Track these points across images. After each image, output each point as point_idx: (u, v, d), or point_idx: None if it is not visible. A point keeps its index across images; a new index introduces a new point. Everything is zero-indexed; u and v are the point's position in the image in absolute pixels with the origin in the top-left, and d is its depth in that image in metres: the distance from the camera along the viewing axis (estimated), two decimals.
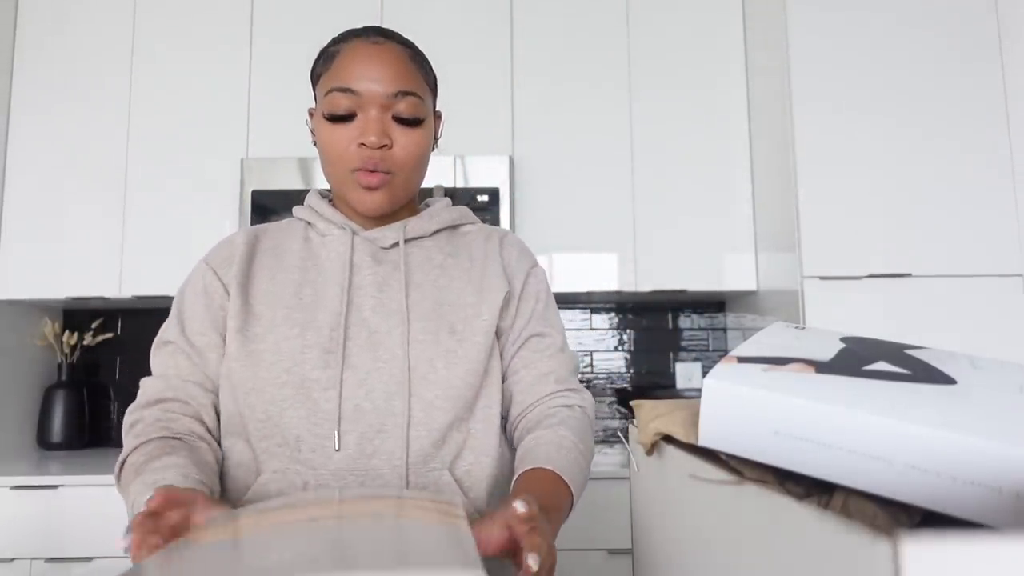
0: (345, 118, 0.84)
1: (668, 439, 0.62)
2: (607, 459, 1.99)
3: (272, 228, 0.95)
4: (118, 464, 0.81)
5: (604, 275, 2.16)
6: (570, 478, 0.80)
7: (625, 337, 2.47)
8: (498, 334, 0.91)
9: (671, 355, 2.46)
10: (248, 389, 0.82)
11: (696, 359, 2.45)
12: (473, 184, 2.10)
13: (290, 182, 2.09)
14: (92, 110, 2.21)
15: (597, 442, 2.38)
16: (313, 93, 0.91)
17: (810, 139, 1.90)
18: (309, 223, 0.93)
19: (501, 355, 0.92)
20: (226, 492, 0.85)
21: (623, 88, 2.22)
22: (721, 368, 0.49)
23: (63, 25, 2.25)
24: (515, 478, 0.81)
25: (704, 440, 0.49)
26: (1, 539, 1.78)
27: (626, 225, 2.18)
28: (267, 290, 0.86)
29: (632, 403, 0.70)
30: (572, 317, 2.48)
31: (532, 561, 0.57)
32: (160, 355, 0.88)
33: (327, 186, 0.94)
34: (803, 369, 0.48)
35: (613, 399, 2.43)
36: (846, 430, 0.42)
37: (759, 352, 0.51)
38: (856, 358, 0.49)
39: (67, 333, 2.31)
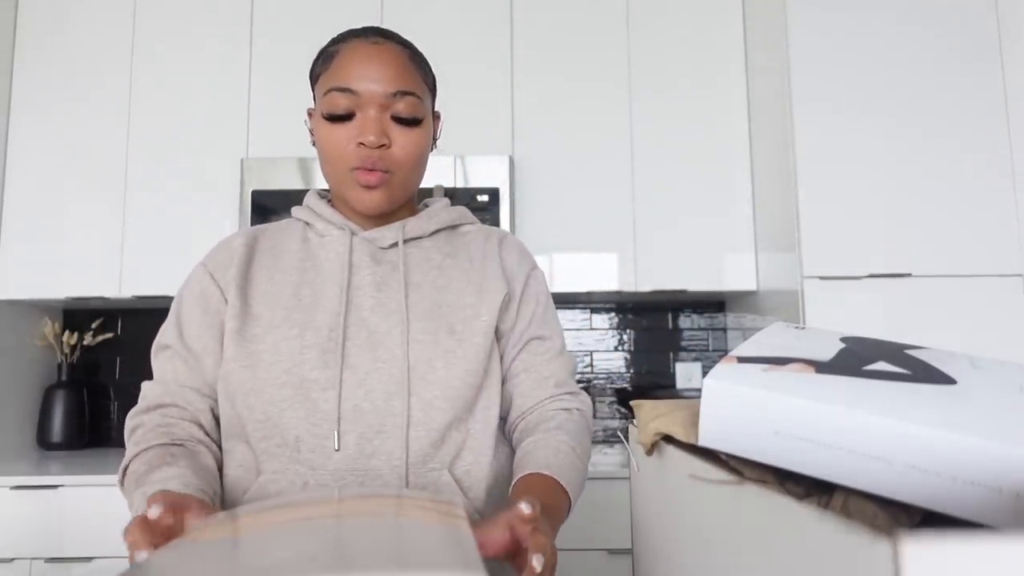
0: (344, 118, 0.85)
1: (668, 439, 0.62)
2: (607, 459, 1.99)
3: (271, 229, 0.95)
4: (121, 469, 0.83)
5: (604, 275, 2.16)
6: (567, 482, 0.81)
7: (625, 337, 2.47)
8: (498, 336, 0.92)
9: (671, 355, 2.46)
10: (247, 390, 0.82)
11: (696, 359, 2.45)
12: (473, 184, 2.10)
13: (290, 182, 2.09)
14: (92, 110, 2.21)
15: (597, 442, 2.38)
16: (312, 93, 0.91)
17: (810, 139, 1.90)
18: (308, 223, 0.93)
19: (501, 358, 0.92)
20: (228, 494, 0.85)
21: (623, 88, 2.22)
22: (721, 368, 0.49)
23: (63, 25, 2.25)
24: (513, 483, 0.81)
25: (704, 440, 0.49)
26: (1, 539, 1.78)
27: (626, 225, 2.18)
28: (266, 291, 0.86)
29: (632, 403, 0.70)
30: (572, 317, 2.48)
31: (537, 562, 0.57)
32: (159, 359, 0.89)
33: (327, 186, 0.94)
34: (803, 369, 0.48)
35: (613, 399, 2.43)
36: (846, 430, 0.42)
37: (759, 352, 0.51)
38: (856, 358, 0.49)
39: (67, 333, 2.31)
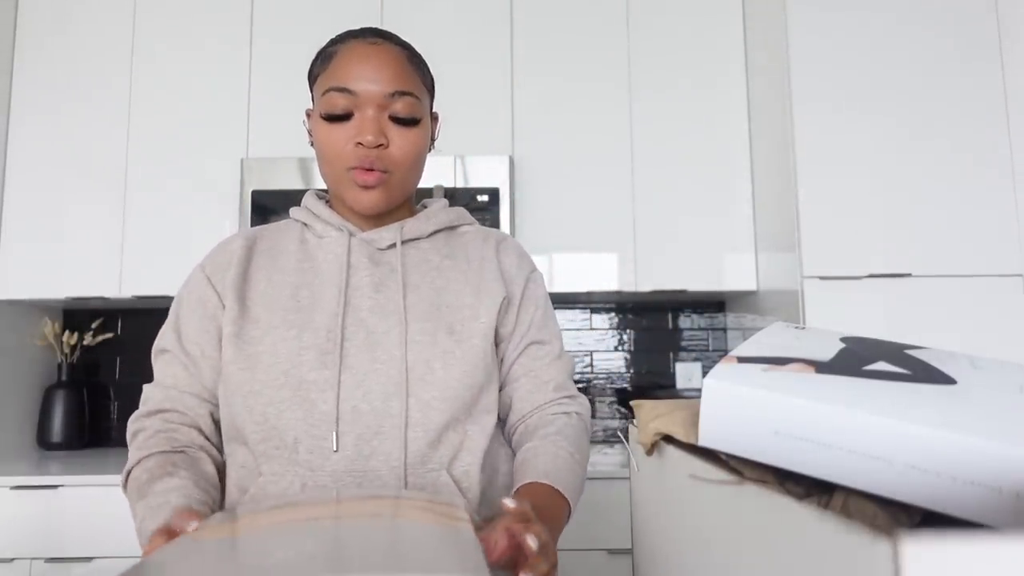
0: (342, 118, 0.85)
1: (668, 439, 0.62)
2: (607, 459, 1.99)
3: (269, 230, 0.95)
4: (124, 473, 0.84)
5: (604, 275, 2.16)
6: (566, 489, 0.82)
7: (625, 337, 2.47)
8: (498, 340, 0.92)
9: (671, 355, 2.46)
10: (246, 392, 0.82)
11: (696, 359, 2.45)
12: (473, 184, 2.10)
13: (290, 182, 2.09)
14: (92, 110, 2.21)
15: (597, 442, 2.38)
16: (311, 94, 0.91)
17: (810, 139, 1.90)
18: (306, 225, 0.93)
19: (501, 361, 0.93)
20: (230, 495, 0.85)
21: (623, 88, 2.22)
22: (721, 368, 0.49)
23: (63, 25, 2.25)
24: (513, 490, 0.82)
25: (704, 440, 0.49)
26: (1, 539, 1.78)
27: (626, 225, 2.18)
28: (264, 292, 0.86)
29: (632, 403, 0.70)
30: (572, 317, 2.48)
31: (532, 541, 0.58)
32: (159, 363, 0.89)
33: (325, 186, 0.94)
34: (803, 369, 0.48)
35: (613, 399, 2.43)
36: (846, 430, 0.42)
37: (759, 352, 0.51)
38: (856, 358, 0.49)
39: (67, 333, 2.31)
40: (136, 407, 0.89)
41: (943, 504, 0.38)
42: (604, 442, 2.39)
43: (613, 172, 2.19)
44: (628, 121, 2.21)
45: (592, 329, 2.47)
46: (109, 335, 2.41)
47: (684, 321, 2.47)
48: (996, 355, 1.80)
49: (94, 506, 1.78)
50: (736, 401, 0.46)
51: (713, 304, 2.48)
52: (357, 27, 0.92)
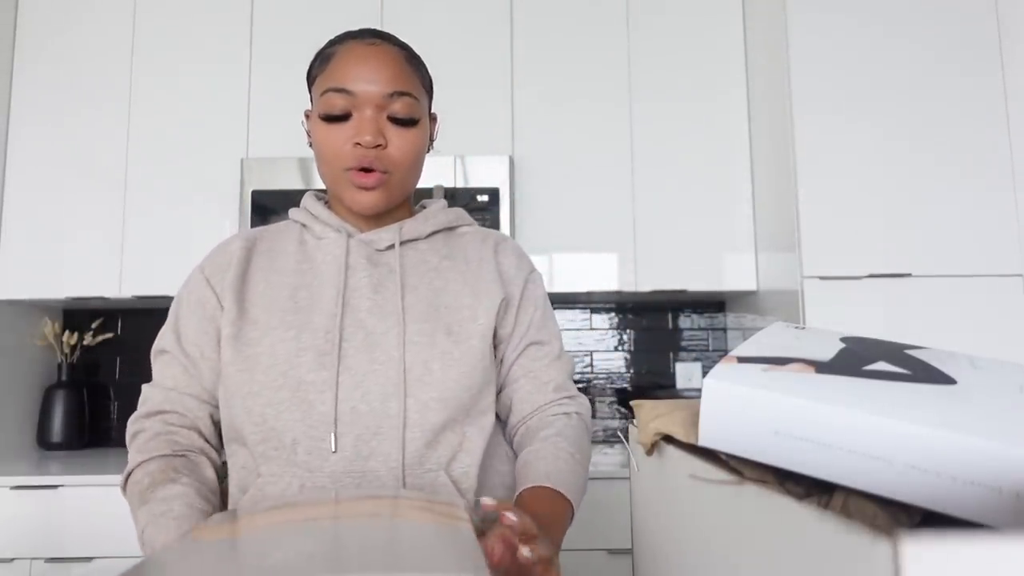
0: (340, 118, 0.85)
1: (668, 439, 0.62)
2: (607, 459, 1.99)
3: (269, 231, 0.95)
4: (124, 475, 0.84)
5: (604, 275, 2.16)
6: (568, 490, 0.82)
7: (625, 337, 2.46)
8: (497, 341, 0.92)
9: (671, 355, 2.46)
10: (245, 393, 0.82)
11: (696, 359, 2.45)
12: (473, 184, 2.10)
13: (290, 182, 2.09)
14: (92, 110, 2.21)
15: (597, 442, 2.38)
16: (309, 95, 0.91)
17: (810, 139, 1.90)
18: (304, 226, 0.93)
19: (501, 362, 0.93)
20: (232, 496, 0.86)
21: (623, 88, 2.22)
22: (721, 368, 0.49)
23: (63, 25, 2.25)
24: (516, 495, 0.82)
25: (704, 440, 0.49)
26: (1, 539, 1.78)
27: (626, 225, 2.18)
28: (263, 294, 0.87)
29: (632, 403, 0.70)
30: (572, 317, 2.48)
31: (526, 552, 0.58)
32: (158, 363, 0.89)
33: (325, 187, 0.94)
34: (803, 369, 0.48)
35: (613, 399, 2.43)
36: (846, 430, 0.42)
37: (759, 352, 0.51)
38: (856, 358, 0.49)
39: (67, 333, 2.31)
40: (136, 407, 0.89)
41: (943, 504, 0.38)
42: (604, 442, 2.39)
43: (613, 172, 2.19)
44: (628, 121, 2.21)
45: (592, 329, 2.47)
46: (109, 335, 2.40)
47: (684, 321, 2.47)
48: (996, 355, 1.80)
49: (94, 506, 1.78)
50: (736, 401, 0.46)
51: (713, 304, 2.48)
52: (356, 28, 0.92)
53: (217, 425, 0.89)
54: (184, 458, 0.83)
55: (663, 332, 2.47)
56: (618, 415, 2.42)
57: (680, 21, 2.25)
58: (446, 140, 2.07)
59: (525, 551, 0.59)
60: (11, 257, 2.15)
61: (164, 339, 0.89)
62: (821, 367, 0.48)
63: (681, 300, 2.44)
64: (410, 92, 0.86)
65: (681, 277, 2.16)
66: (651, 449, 0.65)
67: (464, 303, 0.88)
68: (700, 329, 2.47)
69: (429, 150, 0.94)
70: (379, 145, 0.84)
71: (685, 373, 2.44)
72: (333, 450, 0.80)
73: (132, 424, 0.87)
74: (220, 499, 0.86)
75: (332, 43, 0.89)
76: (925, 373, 0.46)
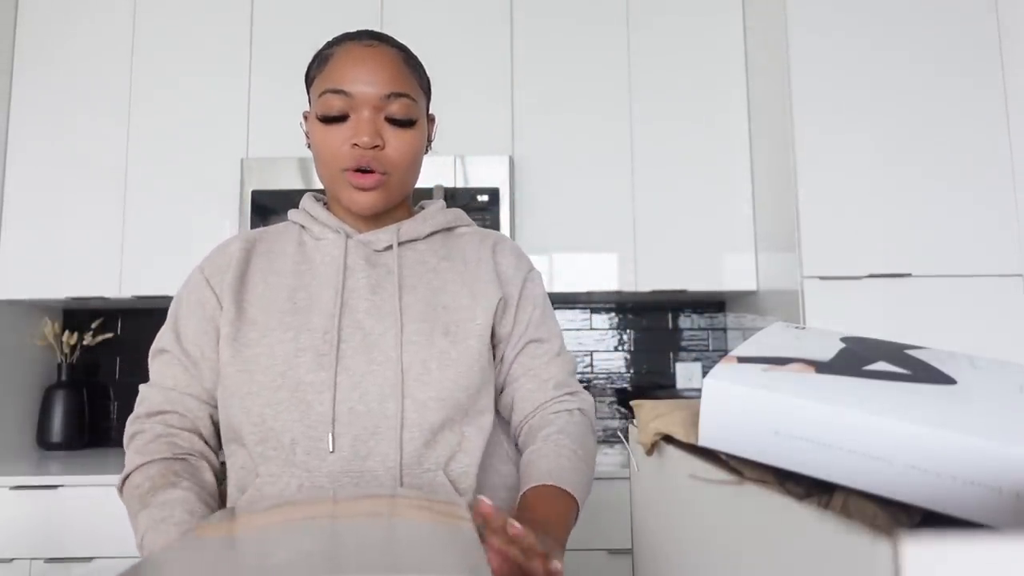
0: (338, 119, 0.85)
1: (668, 439, 0.62)
2: (607, 459, 1.99)
3: (268, 233, 0.95)
4: (122, 477, 0.84)
5: (604, 275, 2.16)
6: (572, 487, 0.82)
7: (625, 337, 2.46)
8: (497, 341, 0.92)
9: (671, 355, 2.46)
10: (244, 393, 0.82)
11: (696, 359, 2.45)
12: (473, 184, 2.10)
13: (290, 182, 2.09)
14: (92, 110, 2.21)
15: (597, 442, 2.38)
16: (308, 96, 0.91)
17: (810, 139, 1.90)
18: (303, 227, 0.93)
19: (501, 361, 0.93)
20: (231, 496, 0.86)
21: (623, 88, 2.22)
22: (721, 368, 0.49)
23: (63, 25, 2.25)
24: (519, 495, 0.82)
25: (704, 440, 0.49)
26: (1, 539, 1.78)
27: (626, 225, 2.18)
28: (262, 295, 0.87)
29: (632, 403, 0.70)
30: (572, 317, 2.48)
31: (556, 564, 0.59)
32: (157, 363, 0.89)
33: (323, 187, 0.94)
34: (803, 369, 0.48)
35: (613, 399, 2.43)
36: (846, 430, 0.42)
37: (759, 352, 0.51)
38: (856, 358, 0.49)
39: (67, 333, 2.31)
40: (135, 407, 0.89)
41: (943, 504, 0.38)
42: (604, 442, 2.39)
43: (613, 172, 2.19)
44: (628, 121, 2.21)
45: (592, 329, 2.47)
46: (109, 335, 2.40)
47: (684, 321, 2.47)
48: (996, 355, 1.79)
49: (94, 506, 1.78)
50: (736, 401, 0.46)
51: (713, 304, 2.48)
52: (355, 28, 0.92)
53: (217, 426, 0.89)
54: (184, 462, 0.83)
55: (663, 332, 2.47)
56: (618, 415, 2.42)
57: (680, 21, 2.25)
58: (446, 140, 2.06)
59: (555, 564, 0.59)
60: (11, 257, 2.15)
61: (163, 339, 0.89)
62: (821, 367, 0.48)
63: (681, 300, 2.44)
64: (407, 93, 0.86)
65: (681, 277, 2.16)
66: (651, 449, 0.64)
67: (462, 303, 0.88)
68: (700, 329, 2.47)
69: (427, 151, 0.94)
70: (377, 146, 0.84)
71: (685, 373, 2.44)
72: (331, 450, 0.80)
73: (131, 425, 0.87)
74: (219, 503, 0.85)
75: (330, 44, 0.89)
76: (925, 373, 0.46)
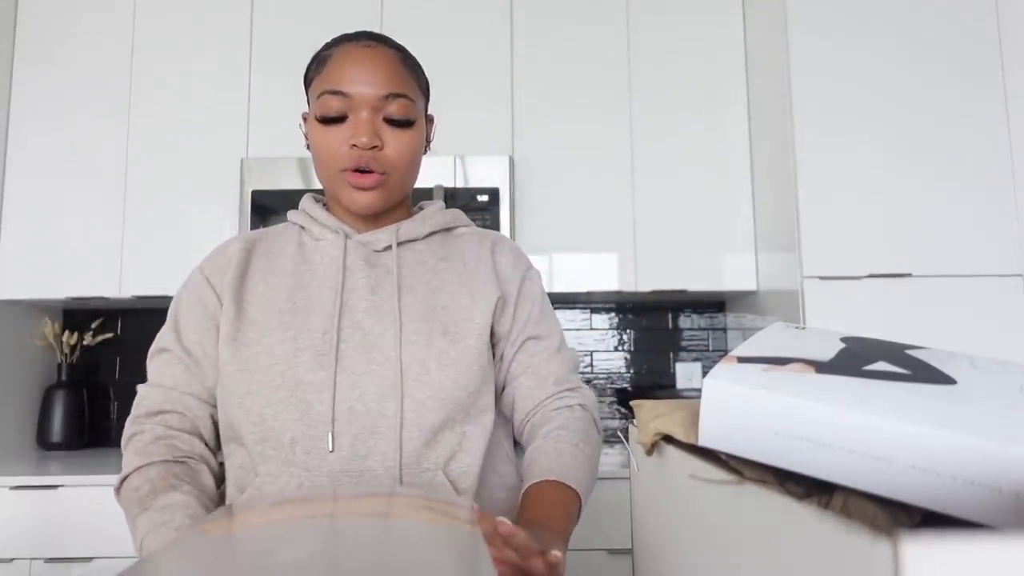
0: (337, 120, 0.85)
1: (668, 439, 0.62)
2: (607, 459, 1.99)
3: (268, 233, 0.95)
4: (119, 479, 0.83)
5: (604, 275, 2.16)
6: (572, 480, 0.81)
7: (625, 337, 2.46)
8: (496, 339, 0.92)
9: (671, 355, 2.46)
10: (243, 393, 0.82)
11: (696, 359, 2.45)
12: (473, 184, 2.10)
13: (290, 182, 2.09)
14: (92, 110, 2.21)
15: (602, 438, 2.38)
16: (306, 97, 0.92)
17: (810, 139, 1.90)
18: (303, 227, 0.93)
19: (501, 359, 0.93)
20: (230, 496, 0.85)
21: (623, 88, 2.22)
22: (721, 368, 0.49)
23: (63, 25, 2.25)
24: (521, 494, 0.82)
25: (704, 440, 0.49)
26: (1, 539, 1.78)
27: (626, 225, 2.18)
28: (261, 295, 0.87)
29: (632, 403, 0.70)
30: (572, 317, 2.48)
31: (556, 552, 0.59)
32: (156, 362, 0.88)
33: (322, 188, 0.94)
34: (803, 369, 0.48)
35: (613, 399, 2.43)
36: (846, 430, 0.42)
37: (759, 352, 0.51)
38: (856, 358, 0.49)
39: (67, 333, 2.31)
40: None
41: (943, 504, 0.38)
42: (604, 442, 2.38)
43: (613, 172, 2.19)
44: (628, 121, 2.21)
45: (592, 329, 2.47)
46: (109, 335, 2.40)
47: (684, 321, 2.47)
48: (996, 355, 1.80)
49: (94, 506, 1.78)
50: (736, 401, 0.46)
51: (713, 304, 2.48)
52: (355, 29, 0.93)
53: (217, 427, 0.89)
54: (184, 465, 0.83)
55: (663, 332, 2.47)
56: (618, 415, 2.42)
57: (680, 21, 2.25)
58: (446, 140, 2.07)
59: (554, 552, 0.59)
60: (11, 257, 2.15)
61: (164, 338, 0.89)
62: (821, 367, 0.48)
63: (681, 300, 2.44)
64: (406, 94, 0.86)
65: (681, 277, 2.16)
66: (651, 449, 0.65)
67: (461, 303, 0.89)
68: (700, 329, 2.47)
69: (426, 151, 0.95)
70: (375, 146, 0.84)
71: (685, 373, 2.44)
72: (331, 450, 0.80)
73: (130, 425, 0.86)
74: (218, 505, 0.85)
75: (328, 46, 0.90)
76: (925, 373, 0.46)
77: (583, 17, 2.25)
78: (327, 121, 0.85)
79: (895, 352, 0.51)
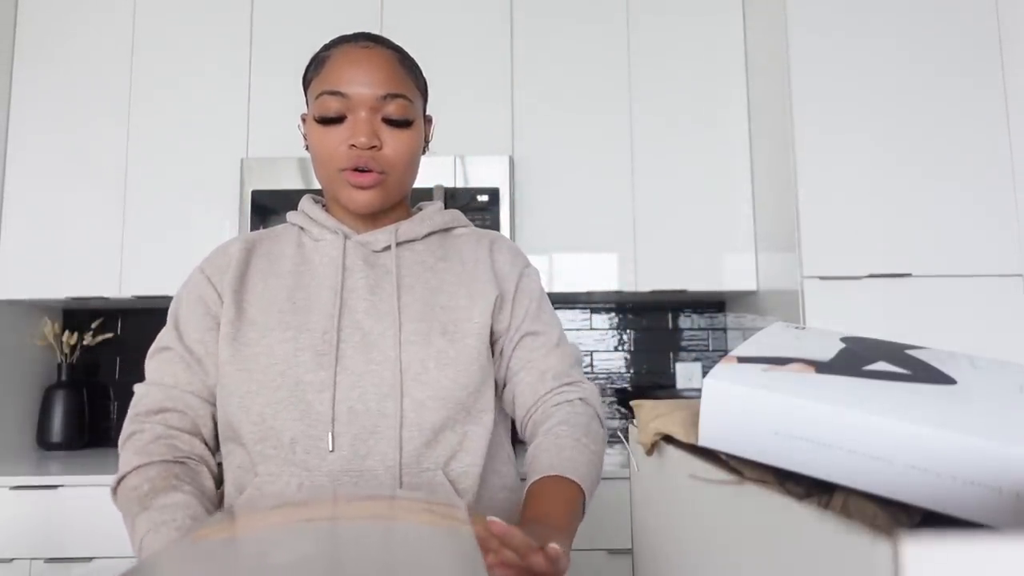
0: (335, 120, 0.86)
1: (668, 439, 0.62)
2: (607, 459, 1.99)
3: (267, 234, 0.96)
4: (117, 478, 0.82)
5: (604, 275, 2.16)
6: (574, 474, 0.80)
7: (625, 337, 2.46)
8: (495, 337, 0.92)
9: (671, 355, 2.46)
10: (243, 392, 0.82)
11: (696, 359, 2.45)
12: (473, 184, 2.10)
13: (290, 182, 2.09)
14: (92, 110, 2.21)
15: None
16: (305, 99, 0.92)
17: (810, 139, 1.90)
18: (302, 228, 0.94)
19: (500, 356, 0.93)
20: (228, 496, 0.85)
21: (623, 88, 2.22)
22: (721, 368, 0.49)
23: (63, 25, 2.25)
24: (525, 492, 0.81)
25: (704, 440, 0.49)
26: (1, 539, 1.78)
27: (626, 225, 2.18)
28: (261, 295, 0.87)
29: (632, 403, 0.70)
30: (572, 317, 2.48)
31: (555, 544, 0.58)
32: (156, 361, 0.88)
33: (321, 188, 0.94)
34: (803, 369, 0.48)
35: (613, 399, 2.43)
36: (846, 430, 0.42)
37: (759, 352, 0.51)
38: (856, 358, 0.49)
39: (67, 333, 2.31)
40: None
41: (943, 504, 0.38)
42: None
43: (613, 172, 2.19)
44: (628, 121, 2.21)
45: (592, 329, 2.47)
46: (109, 335, 2.40)
47: (684, 321, 2.47)
48: (996, 355, 1.80)
49: (94, 506, 1.78)
50: (736, 401, 0.46)
51: (713, 304, 2.48)
52: (355, 29, 0.93)
53: (217, 426, 0.88)
54: (184, 465, 0.82)
55: (663, 332, 2.47)
56: (618, 415, 2.42)
57: (680, 21, 2.25)
58: (446, 140, 2.07)
59: (552, 545, 0.58)
60: (11, 257, 2.15)
61: (165, 337, 0.89)
62: (821, 367, 0.48)
63: (681, 300, 2.44)
64: (404, 94, 0.87)
65: (681, 277, 2.16)
66: (651, 449, 0.65)
67: (460, 303, 0.89)
68: (700, 329, 2.47)
69: (425, 151, 0.95)
70: (374, 146, 0.85)
71: (685, 373, 2.44)
72: (331, 449, 0.80)
73: (129, 423, 0.85)
74: (217, 507, 0.85)
75: (326, 47, 0.90)
76: (925, 373, 0.46)
77: (583, 17, 2.25)
78: (326, 121, 0.86)
79: (895, 352, 0.51)
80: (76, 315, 2.47)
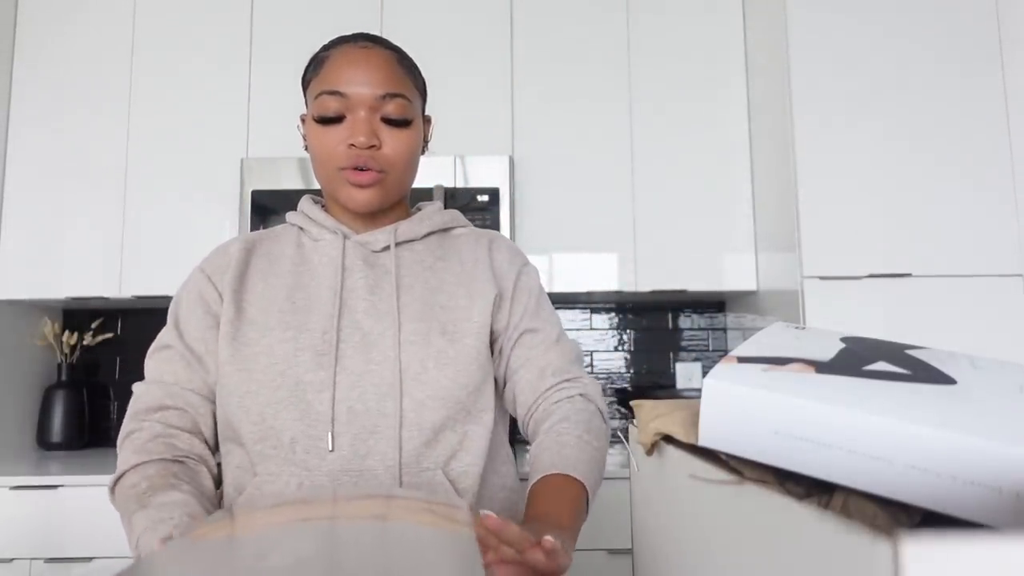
0: (334, 120, 0.86)
1: (668, 439, 0.62)
2: (607, 459, 1.99)
3: (267, 235, 0.96)
4: (115, 477, 0.81)
5: (604, 275, 2.16)
6: (575, 471, 0.80)
7: (625, 337, 2.46)
8: (495, 336, 0.92)
9: (671, 355, 2.46)
10: (243, 392, 0.82)
11: (696, 359, 2.45)
12: (473, 184, 2.09)
13: (290, 182, 2.09)
14: (92, 110, 2.21)
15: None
16: (304, 99, 0.92)
17: (810, 139, 1.90)
18: (302, 228, 0.94)
19: (500, 354, 0.93)
20: (227, 496, 0.85)
21: (623, 88, 2.22)
22: (721, 368, 0.49)
23: (63, 25, 2.25)
24: (527, 492, 0.81)
25: (704, 440, 0.49)
26: (1, 539, 1.78)
27: (626, 225, 2.18)
28: (260, 295, 0.87)
29: (632, 403, 0.70)
30: (572, 317, 2.48)
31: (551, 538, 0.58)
32: (156, 359, 0.88)
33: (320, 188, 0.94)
34: (803, 369, 0.48)
35: (613, 399, 2.43)
36: (846, 430, 0.42)
37: (759, 352, 0.51)
38: (856, 358, 0.49)
39: (67, 333, 2.31)
40: None
41: (943, 504, 0.38)
42: None
43: (613, 172, 2.19)
44: (628, 121, 2.21)
45: (592, 329, 2.47)
46: (109, 335, 2.40)
47: (684, 321, 2.47)
48: (996, 355, 1.79)
49: (94, 506, 1.78)
50: (736, 401, 0.46)
51: (713, 304, 2.48)
52: (355, 29, 0.93)
53: (217, 425, 0.88)
54: (183, 464, 0.82)
55: (663, 332, 2.47)
56: (618, 415, 2.42)
57: (680, 21, 2.25)
58: (446, 140, 2.07)
59: (549, 538, 0.58)
60: (11, 257, 2.15)
61: (165, 336, 0.89)
62: (821, 367, 0.48)
63: (681, 300, 2.44)
64: (403, 94, 0.87)
65: (681, 277, 2.16)
66: (651, 449, 0.64)
67: (459, 303, 0.89)
68: (700, 329, 2.47)
69: (424, 151, 0.95)
70: (373, 146, 0.85)
71: (685, 373, 2.44)
72: (331, 449, 0.80)
73: (128, 422, 0.85)
74: (216, 507, 0.85)
75: (325, 47, 0.90)
76: (925, 373, 0.46)
77: (583, 17, 2.25)
78: (325, 121, 0.86)
79: (895, 352, 0.51)
80: (76, 315, 2.47)
